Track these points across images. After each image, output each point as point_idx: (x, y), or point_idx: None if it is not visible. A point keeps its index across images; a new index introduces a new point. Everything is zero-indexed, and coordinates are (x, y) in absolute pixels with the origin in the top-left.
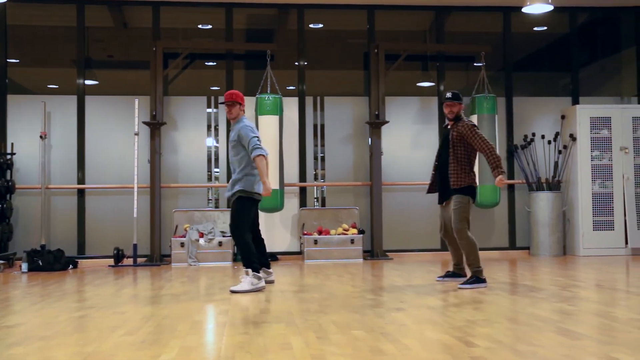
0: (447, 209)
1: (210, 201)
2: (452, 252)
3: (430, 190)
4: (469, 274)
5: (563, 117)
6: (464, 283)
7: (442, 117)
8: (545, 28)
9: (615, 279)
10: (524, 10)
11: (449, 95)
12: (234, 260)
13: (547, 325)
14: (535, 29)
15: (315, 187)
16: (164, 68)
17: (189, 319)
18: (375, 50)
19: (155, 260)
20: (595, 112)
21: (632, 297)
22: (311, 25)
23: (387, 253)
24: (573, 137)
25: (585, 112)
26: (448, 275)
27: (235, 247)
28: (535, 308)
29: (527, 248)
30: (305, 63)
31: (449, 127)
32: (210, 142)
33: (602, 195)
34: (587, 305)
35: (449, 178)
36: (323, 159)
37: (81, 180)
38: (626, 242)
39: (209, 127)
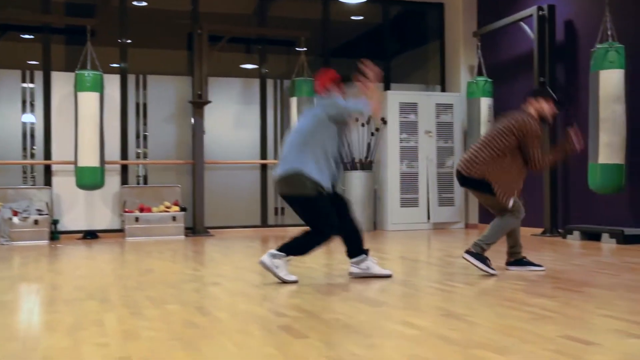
0: None
1: (26, 178)
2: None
3: None
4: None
5: None
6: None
7: (264, 97)
8: (362, 18)
9: (418, 251)
10: None
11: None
12: (52, 238)
13: (352, 295)
14: (353, 17)
15: (137, 165)
16: None
17: None
18: (199, 32)
19: None
20: (404, 98)
21: (430, 267)
22: (135, 3)
23: (209, 230)
24: (384, 121)
25: (395, 98)
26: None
27: None
28: (343, 279)
29: None
30: (129, 41)
31: None
32: (27, 118)
33: (409, 174)
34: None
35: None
36: (145, 137)
37: None
38: (428, 218)
39: (24, 102)
